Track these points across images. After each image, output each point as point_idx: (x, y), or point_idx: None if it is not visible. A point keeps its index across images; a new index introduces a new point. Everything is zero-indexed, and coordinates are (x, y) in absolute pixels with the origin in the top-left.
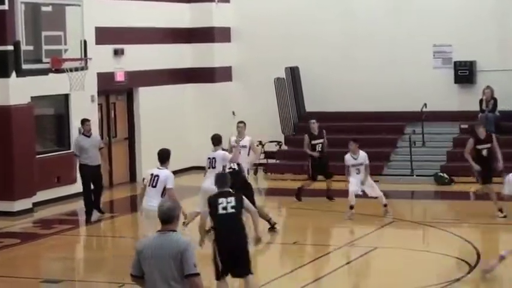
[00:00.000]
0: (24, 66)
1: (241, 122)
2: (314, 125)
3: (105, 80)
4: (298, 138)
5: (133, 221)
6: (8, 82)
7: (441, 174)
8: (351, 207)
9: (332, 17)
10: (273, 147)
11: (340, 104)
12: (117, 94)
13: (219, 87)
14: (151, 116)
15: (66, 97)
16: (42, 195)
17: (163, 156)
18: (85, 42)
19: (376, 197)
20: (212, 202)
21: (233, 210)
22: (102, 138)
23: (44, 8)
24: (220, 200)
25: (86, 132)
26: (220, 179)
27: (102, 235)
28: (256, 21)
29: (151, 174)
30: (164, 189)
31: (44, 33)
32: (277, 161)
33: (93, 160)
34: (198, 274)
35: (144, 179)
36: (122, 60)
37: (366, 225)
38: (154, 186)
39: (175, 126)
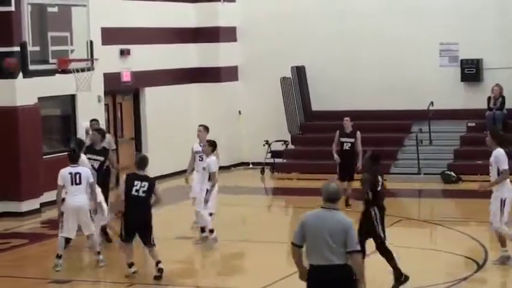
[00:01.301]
0: (31, 67)
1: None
2: (346, 123)
3: (112, 81)
4: (304, 137)
5: None
6: (15, 83)
7: (448, 172)
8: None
9: (338, 16)
10: (280, 147)
11: (347, 103)
12: (124, 94)
13: (225, 86)
14: (158, 116)
15: (72, 98)
16: (49, 196)
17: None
18: (91, 42)
19: None
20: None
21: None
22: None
23: (50, 9)
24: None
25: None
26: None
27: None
28: (262, 21)
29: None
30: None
31: (50, 34)
32: (284, 160)
33: None
34: (359, 251)
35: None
36: (128, 61)
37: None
38: (78, 184)
39: (182, 126)
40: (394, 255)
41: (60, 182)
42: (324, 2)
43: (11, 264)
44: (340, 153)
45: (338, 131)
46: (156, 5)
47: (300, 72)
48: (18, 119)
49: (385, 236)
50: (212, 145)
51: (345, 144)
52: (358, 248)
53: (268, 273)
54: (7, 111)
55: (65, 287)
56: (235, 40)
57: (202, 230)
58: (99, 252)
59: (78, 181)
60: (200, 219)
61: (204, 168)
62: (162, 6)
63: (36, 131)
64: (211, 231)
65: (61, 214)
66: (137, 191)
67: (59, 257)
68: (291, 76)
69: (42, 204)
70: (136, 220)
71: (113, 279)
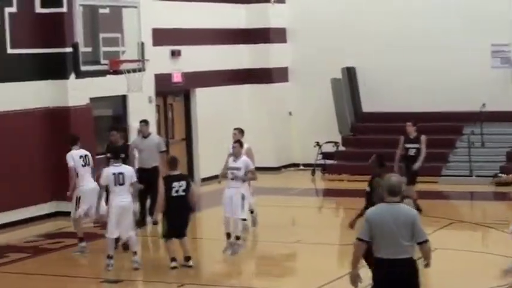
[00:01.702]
0: (83, 68)
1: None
2: (409, 128)
3: (163, 81)
4: (355, 139)
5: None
6: (67, 83)
7: (501, 175)
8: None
9: (389, 17)
10: (330, 148)
11: (398, 104)
12: (175, 95)
13: (275, 87)
14: (208, 116)
15: (124, 98)
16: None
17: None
18: (142, 43)
19: None
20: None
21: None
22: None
23: (101, 10)
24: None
25: (142, 133)
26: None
27: (156, 235)
28: (312, 22)
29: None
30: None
31: (101, 35)
32: (335, 162)
33: (144, 163)
34: (428, 240)
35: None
36: (178, 62)
37: (425, 227)
38: (122, 184)
39: (232, 126)
40: None
41: (103, 182)
42: (375, 2)
43: (63, 264)
44: (405, 159)
45: (402, 137)
46: (207, 6)
47: (350, 73)
48: (70, 120)
49: None
50: (241, 145)
51: (409, 150)
52: (427, 237)
53: (319, 275)
54: (59, 111)
55: (117, 287)
56: (285, 41)
57: (237, 238)
58: (135, 253)
59: (121, 181)
60: (236, 228)
61: (236, 169)
62: (212, 7)
63: (88, 131)
64: (238, 238)
65: (106, 214)
66: (177, 191)
67: (110, 257)
68: (341, 77)
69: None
70: (179, 219)
71: (163, 279)
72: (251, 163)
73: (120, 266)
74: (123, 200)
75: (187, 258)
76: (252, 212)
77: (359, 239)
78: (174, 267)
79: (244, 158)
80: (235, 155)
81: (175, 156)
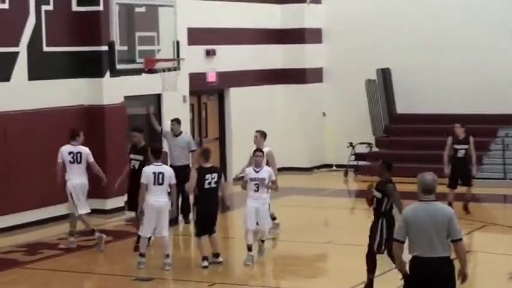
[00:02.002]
0: (118, 66)
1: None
2: (458, 129)
3: (197, 81)
4: (389, 140)
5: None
6: (102, 82)
7: None
8: None
9: (425, 17)
10: (364, 149)
11: (432, 106)
12: (209, 94)
13: (309, 88)
14: (242, 116)
15: (158, 97)
16: None
17: (158, 152)
18: (178, 42)
19: None
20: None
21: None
22: (193, 138)
23: (137, 9)
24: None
25: (173, 132)
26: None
27: (189, 234)
28: (348, 22)
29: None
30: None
31: (137, 34)
32: (368, 163)
33: (175, 160)
34: (462, 239)
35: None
36: (213, 61)
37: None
38: (161, 184)
39: (266, 126)
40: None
41: (143, 180)
42: (411, 4)
43: (95, 261)
44: (453, 160)
45: (450, 137)
46: (242, 5)
47: (385, 74)
48: (105, 118)
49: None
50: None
51: (459, 151)
52: (462, 235)
53: (350, 276)
54: (94, 109)
55: (148, 285)
56: (320, 41)
57: (262, 241)
58: (168, 255)
59: (160, 181)
60: (264, 235)
61: (260, 180)
62: (248, 7)
63: (122, 129)
64: (263, 241)
65: (142, 213)
66: (209, 183)
67: (142, 255)
68: (376, 78)
69: (125, 202)
70: (210, 210)
71: (194, 278)
72: (273, 173)
73: (152, 264)
74: (159, 199)
75: (217, 255)
76: (274, 218)
77: (396, 240)
78: (205, 267)
79: (266, 167)
80: (257, 165)
81: (208, 148)
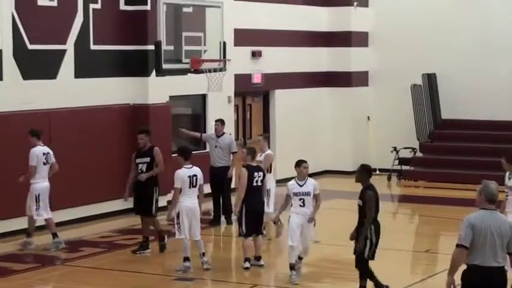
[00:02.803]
0: (164, 66)
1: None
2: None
3: (242, 82)
4: (433, 146)
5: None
6: (148, 81)
7: None
8: None
9: (471, 24)
10: (408, 154)
11: (477, 112)
12: (254, 96)
13: (354, 91)
14: (287, 118)
15: (203, 97)
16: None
17: (188, 153)
18: (224, 43)
19: None
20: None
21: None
22: (237, 139)
23: (185, 9)
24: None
25: (216, 132)
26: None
27: (230, 235)
28: (394, 27)
29: (189, 176)
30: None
31: (184, 34)
32: (412, 168)
33: (214, 161)
34: None
35: None
36: (259, 63)
37: None
38: (195, 186)
39: (310, 129)
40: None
41: (178, 185)
42: (458, 10)
43: (136, 260)
44: None
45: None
46: (289, 8)
47: (431, 79)
48: (150, 117)
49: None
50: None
51: None
52: None
53: (390, 281)
54: (139, 108)
55: (189, 285)
56: (366, 45)
57: (300, 258)
58: (204, 254)
59: (194, 183)
60: (306, 252)
61: (306, 194)
62: (294, 9)
63: (167, 129)
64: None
65: (177, 216)
66: (257, 181)
67: (187, 259)
68: (421, 83)
69: (169, 202)
70: (258, 209)
71: (235, 279)
72: (317, 185)
73: (193, 264)
74: (194, 202)
75: (259, 258)
76: (275, 223)
77: (461, 245)
78: (247, 268)
79: (310, 180)
80: (302, 177)
81: (254, 147)
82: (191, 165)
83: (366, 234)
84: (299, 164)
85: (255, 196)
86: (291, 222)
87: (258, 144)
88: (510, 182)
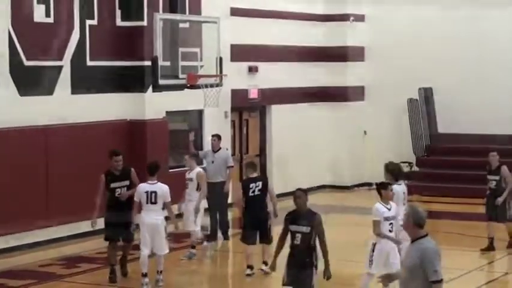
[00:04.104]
0: (161, 82)
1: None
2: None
3: (239, 97)
4: (429, 160)
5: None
6: (145, 97)
7: None
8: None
9: (467, 38)
10: (404, 168)
11: (473, 126)
12: (250, 111)
13: (351, 106)
14: (283, 133)
15: (200, 113)
16: (174, 209)
17: (154, 169)
18: (220, 59)
19: None
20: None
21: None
22: (234, 154)
23: (181, 25)
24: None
25: (212, 147)
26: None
27: (227, 250)
28: (390, 41)
29: (146, 192)
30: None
31: (180, 50)
32: (408, 182)
33: (211, 176)
34: (440, 281)
35: None
36: (255, 78)
37: (497, 250)
38: (154, 203)
39: (307, 144)
40: None
41: (136, 198)
42: (454, 25)
43: (134, 276)
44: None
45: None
46: (285, 23)
47: (427, 94)
48: (146, 132)
49: None
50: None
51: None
52: (439, 278)
53: None
54: (136, 124)
55: None
56: (363, 60)
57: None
58: (160, 272)
59: (153, 200)
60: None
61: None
62: (290, 24)
63: (163, 144)
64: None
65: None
66: (253, 191)
67: (144, 275)
68: (418, 98)
69: (166, 218)
70: (257, 216)
71: None
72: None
73: (189, 280)
74: (155, 217)
75: (265, 263)
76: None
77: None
78: (249, 275)
79: (392, 203)
80: (386, 199)
81: (254, 161)
82: (156, 181)
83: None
84: (386, 186)
85: (251, 205)
86: (379, 250)
87: (186, 163)
88: None
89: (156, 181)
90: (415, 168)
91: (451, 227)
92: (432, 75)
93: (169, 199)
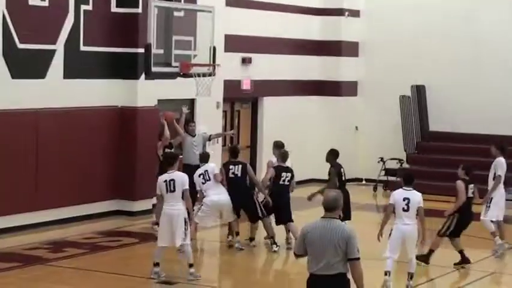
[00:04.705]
0: (154, 69)
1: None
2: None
3: (231, 88)
4: (420, 157)
5: (244, 227)
6: (137, 84)
7: None
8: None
9: (462, 37)
10: (394, 165)
11: (466, 125)
12: (242, 102)
13: (343, 101)
14: (275, 125)
15: (192, 102)
16: None
17: (172, 160)
18: (214, 48)
19: None
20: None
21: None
22: (224, 145)
23: (176, 13)
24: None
25: (190, 132)
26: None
27: (217, 240)
28: (385, 38)
29: (165, 181)
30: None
31: (174, 38)
32: (398, 179)
33: (189, 159)
34: (359, 258)
35: None
36: (248, 69)
37: (483, 249)
38: (173, 191)
39: (298, 137)
40: None
41: (157, 191)
42: (449, 23)
43: (119, 261)
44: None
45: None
46: (280, 15)
47: (419, 91)
48: (138, 120)
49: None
50: None
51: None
52: (359, 255)
53: None
54: (127, 111)
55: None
56: (357, 55)
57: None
58: (191, 265)
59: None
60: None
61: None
62: (286, 17)
63: (154, 132)
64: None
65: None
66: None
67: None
68: (410, 95)
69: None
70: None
71: (223, 284)
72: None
73: (179, 268)
74: (173, 208)
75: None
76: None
77: (294, 254)
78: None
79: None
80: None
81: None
82: (173, 170)
83: None
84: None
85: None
86: (395, 233)
87: None
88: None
89: (174, 171)
90: (406, 165)
91: (438, 224)
92: (425, 73)
93: (187, 187)
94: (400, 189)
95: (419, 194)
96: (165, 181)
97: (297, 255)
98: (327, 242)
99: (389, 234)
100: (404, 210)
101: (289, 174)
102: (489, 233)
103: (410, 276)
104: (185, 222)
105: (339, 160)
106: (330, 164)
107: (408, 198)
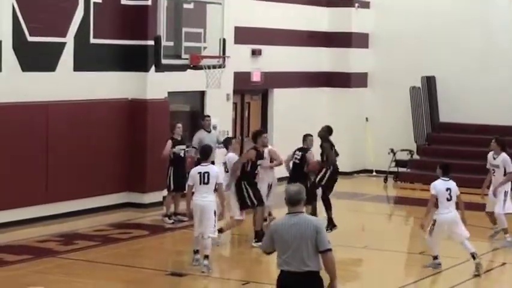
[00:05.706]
0: (164, 62)
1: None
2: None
3: (241, 80)
4: (430, 148)
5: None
6: (147, 76)
7: None
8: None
9: (471, 28)
10: (405, 156)
11: (476, 116)
12: (252, 94)
13: (353, 92)
14: (285, 117)
15: (202, 94)
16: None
17: (206, 154)
18: (224, 40)
19: None
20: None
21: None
22: (235, 137)
23: (185, 5)
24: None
25: (205, 127)
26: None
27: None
28: (395, 29)
29: (200, 173)
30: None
31: (184, 30)
32: (408, 170)
33: None
34: (331, 249)
35: None
36: (258, 61)
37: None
38: (206, 183)
39: (308, 128)
40: None
41: (190, 182)
42: (459, 14)
43: (129, 254)
44: None
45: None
46: (290, 7)
47: (430, 82)
48: (148, 112)
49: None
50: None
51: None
52: (330, 246)
53: (384, 282)
54: (137, 103)
55: (181, 280)
56: (367, 46)
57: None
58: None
59: (206, 180)
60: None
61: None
62: (295, 8)
63: (164, 125)
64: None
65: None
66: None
67: (195, 252)
68: (420, 86)
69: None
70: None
71: (229, 276)
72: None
73: (190, 260)
74: (203, 199)
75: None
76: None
77: (264, 251)
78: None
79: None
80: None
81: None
82: (207, 163)
83: None
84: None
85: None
86: (442, 221)
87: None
88: (495, 161)
89: (208, 163)
90: (416, 157)
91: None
92: (435, 64)
93: (222, 181)
94: (439, 180)
95: (455, 183)
96: (199, 173)
97: (265, 253)
98: (299, 238)
99: (431, 230)
100: (448, 200)
101: None
102: (500, 228)
103: (473, 256)
104: (214, 213)
105: (348, 150)
106: (323, 139)
107: (450, 188)
